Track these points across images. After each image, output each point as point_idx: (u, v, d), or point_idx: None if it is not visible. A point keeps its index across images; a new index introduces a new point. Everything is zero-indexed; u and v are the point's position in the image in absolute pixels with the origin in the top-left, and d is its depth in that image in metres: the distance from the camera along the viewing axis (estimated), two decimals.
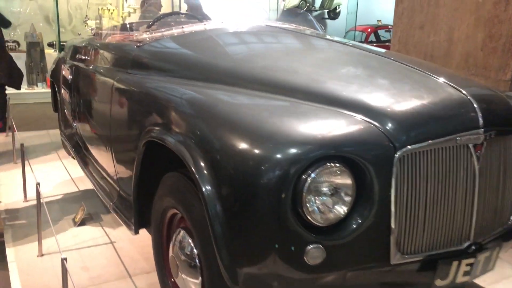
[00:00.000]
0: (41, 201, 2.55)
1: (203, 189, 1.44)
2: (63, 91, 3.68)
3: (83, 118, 2.97)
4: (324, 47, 2.23)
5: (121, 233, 2.86)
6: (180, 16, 2.89)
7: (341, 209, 1.40)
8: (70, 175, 3.91)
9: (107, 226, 2.96)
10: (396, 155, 1.41)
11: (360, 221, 1.42)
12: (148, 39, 2.45)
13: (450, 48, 3.18)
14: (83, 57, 3.03)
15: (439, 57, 3.26)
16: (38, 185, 2.57)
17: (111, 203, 2.44)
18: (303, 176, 1.34)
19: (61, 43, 7.80)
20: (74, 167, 4.06)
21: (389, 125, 1.45)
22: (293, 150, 1.34)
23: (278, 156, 1.33)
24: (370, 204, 1.42)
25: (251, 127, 1.43)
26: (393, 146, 1.42)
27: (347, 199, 1.40)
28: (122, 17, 9.55)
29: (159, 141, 1.76)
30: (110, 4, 9.11)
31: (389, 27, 12.40)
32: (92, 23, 9.04)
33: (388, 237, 1.46)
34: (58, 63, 4.05)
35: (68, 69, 3.42)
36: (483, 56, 2.98)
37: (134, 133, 2.09)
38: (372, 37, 11.31)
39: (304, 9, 11.22)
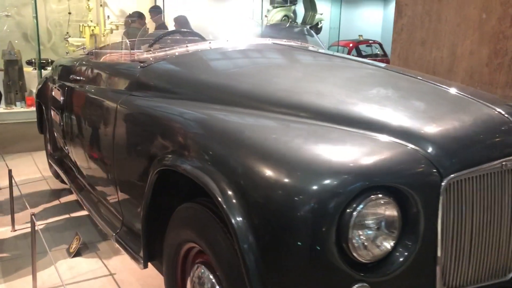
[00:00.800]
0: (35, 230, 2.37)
1: (233, 221, 1.31)
2: (52, 113, 3.50)
3: (79, 141, 2.80)
4: (344, 66, 2.13)
5: (120, 263, 2.69)
6: (178, 35, 2.77)
7: (388, 244, 1.29)
8: (59, 200, 3.71)
9: (105, 257, 2.78)
10: (443, 183, 1.32)
11: (406, 254, 1.31)
12: (151, 58, 2.32)
13: (454, 64, 3.15)
14: (78, 77, 2.88)
15: (442, 73, 3.23)
16: (33, 216, 2.39)
17: (114, 234, 2.28)
18: (347, 210, 1.23)
19: (41, 61, 7.57)
20: (63, 192, 3.87)
21: (433, 151, 1.35)
22: (335, 181, 1.23)
23: (321, 187, 1.22)
24: (416, 235, 1.32)
25: (287, 154, 1.32)
26: (439, 174, 1.32)
27: (394, 232, 1.29)
28: (103, 34, 9.42)
29: (175, 170, 1.63)
30: (91, 21, 8.96)
31: (370, 41, 12.57)
32: (73, 40, 8.85)
33: (434, 270, 1.36)
34: (46, 83, 3.88)
35: (58, 90, 3.26)
36: (488, 72, 2.95)
37: (143, 160, 1.96)
38: (354, 52, 11.42)
39: (287, 26, 11.23)
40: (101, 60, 2.87)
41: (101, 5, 8.98)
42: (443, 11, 3.21)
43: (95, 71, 2.70)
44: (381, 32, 13.44)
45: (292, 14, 11.30)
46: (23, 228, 3.15)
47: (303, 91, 1.69)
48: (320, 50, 2.52)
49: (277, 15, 10.97)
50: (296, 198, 1.22)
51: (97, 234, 3.06)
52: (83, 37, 8.70)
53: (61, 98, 3.14)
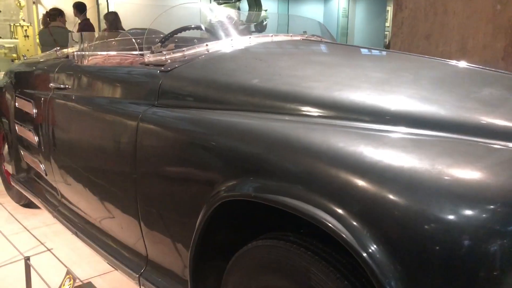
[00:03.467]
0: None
1: (376, 271, 1.01)
2: (17, 128, 2.96)
3: (69, 163, 2.33)
4: (416, 62, 1.86)
5: None
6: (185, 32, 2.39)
7: None
8: (30, 231, 3.16)
9: None
10: None
11: None
12: (169, 61, 1.94)
13: (465, 58, 3.03)
14: (61, 85, 2.39)
15: None
16: (28, 260, 1.92)
17: (137, 275, 1.88)
18: None
19: None
20: (32, 220, 3.31)
21: None
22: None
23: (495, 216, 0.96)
24: None
25: (439, 179, 1.04)
26: None
27: None
28: (38, 34, 8.59)
29: (250, 200, 1.30)
30: (23, 20, 8.10)
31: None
32: (4, 42, 7.94)
33: None
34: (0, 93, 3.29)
35: (28, 101, 2.74)
36: (505, 66, 2.85)
37: (184, 188, 1.59)
38: None
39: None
40: (87, 64, 2.41)
41: (33, 3, 8.16)
42: (450, 3, 3.08)
43: (89, 78, 2.25)
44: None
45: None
46: None
47: (399, 95, 1.42)
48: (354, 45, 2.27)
49: None
50: (483, 233, 0.94)
51: (95, 270, 2.59)
52: (15, 38, 7.85)
53: (35, 111, 2.63)
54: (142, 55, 2.09)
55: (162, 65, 1.91)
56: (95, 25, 7.62)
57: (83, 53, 2.37)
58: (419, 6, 3.22)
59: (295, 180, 1.22)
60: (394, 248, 1.02)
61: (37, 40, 8.17)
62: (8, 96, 3.17)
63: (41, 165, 2.68)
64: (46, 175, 2.65)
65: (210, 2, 10.52)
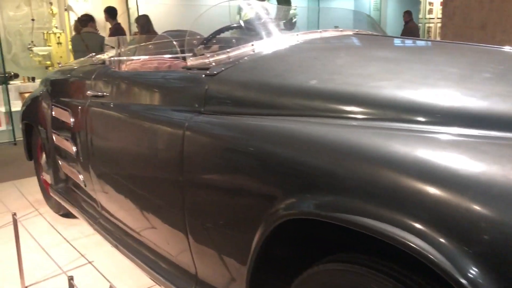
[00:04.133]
0: None
1: None
2: (55, 137, 2.88)
3: (110, 174, 2.23)
4: (494, 55, 1.65)
5: None
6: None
7: None
8: (70, 243, 3.09)
9: None
10: None
11: None
12: (213, 64, 1.79)
13: None
14: (99, 93, 2.29)
15: None
16: (71, 280, 1.81)
17: None
18: None
19: (6, 74, 6.75)
20: (71, 230, 3.24)
21: None
22: None
23: None
24: None
25: None
26: None
27: None
28: (70, 41, 8.64)
29: (323, 219, 1.14)
30: (56, 27, 8.16)
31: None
32: (38, 50, 8.02)
33: None
34: (36, 101, 3.24)
35: (65, 109, 2.65)
36: None
37: (241, 202, 1.45)
38: None
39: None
40: (125, 69, 2.30)
41: (65, 10, 8.21)
42: None
43: (128, 84, 2.13)
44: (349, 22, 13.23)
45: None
46: (33, 283, 2.54)
47: (487, 93, 1.23)
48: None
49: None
50: None
51: (135, 285, 2.48)
52: (49, 46, 7.92)
53: (72, 120, 2.54)
54: (183, 58, 1.96)
55: (206, 69, 1.77)
56: (126, 28, 7.60)
57: (120, 58, 2.26)
58: None
59: (371, 197, 1.05)
60: (497, 270, 0.85)
61: (69, 47, 8.24)
62: (44, 104, 3.11)
63: (79, 176, 2.59)
64: (85, 185, 2.56)
65: None
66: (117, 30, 6.76)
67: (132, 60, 2.29)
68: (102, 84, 2.29)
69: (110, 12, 6.81)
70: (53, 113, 2.86)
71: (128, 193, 2.08)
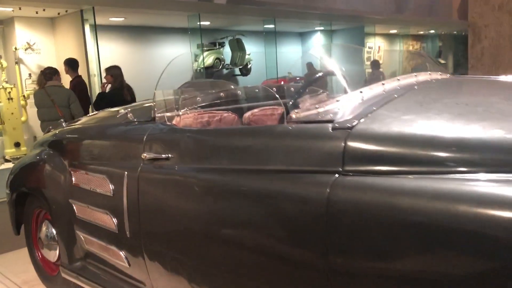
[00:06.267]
0: None
1: None
2: (76, 208, 2.43)
3: (176, 254, 1.85)
4: None
5: None
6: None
7: None
8: None
9: None
10: None
11: None
12: (322, 115, 1.55)
13: None
14: (157, 155, 1.92)
15: None
16: None
17: None
18: None
19: None
20: None
21: None
22: None
23: None
24: None
25: None
26: None
27: None
28: (24, 95, 7.99)
29: None
30: (6, 82, 7.51)
31: (297, 78, 12.52)
32: None
33: None
34: (34, 168, 2.79)
35: (95, 176, 2.24)
36: None
37: None
38: None
39: (219, 68, 10.78)
40: (183, 124, 1.98)
41: (16, 63, 7.61)
42: None
43: (213, 144, 1.78)
44: (302, 68, 13.55)
45: (222, 56, 10.83)
46: None
47: None
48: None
49: (208, 58, 10.41)
50: None
51: None
52: None
53: (112, 188, 2.13)
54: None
55: (326, 121, 1.51)
56: (87, 81, 7.13)
57: (186, 113, 1.93)
58: (503, 34, 2.99)
59: None
60: None
61: (22, 102, 7.59)
62: (49, 168, 2.66)
63: (120, 253, 2.17)
64: (130, 265, 2.14)
65: (197, 48, 10.29)
66: (79, 84, 6.33)
67: (204, 113, 1.97)
68: (163, 144, 1.94)
69: (71, 65, 6.39)
70: (73, 179, 2.43)
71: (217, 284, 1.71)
